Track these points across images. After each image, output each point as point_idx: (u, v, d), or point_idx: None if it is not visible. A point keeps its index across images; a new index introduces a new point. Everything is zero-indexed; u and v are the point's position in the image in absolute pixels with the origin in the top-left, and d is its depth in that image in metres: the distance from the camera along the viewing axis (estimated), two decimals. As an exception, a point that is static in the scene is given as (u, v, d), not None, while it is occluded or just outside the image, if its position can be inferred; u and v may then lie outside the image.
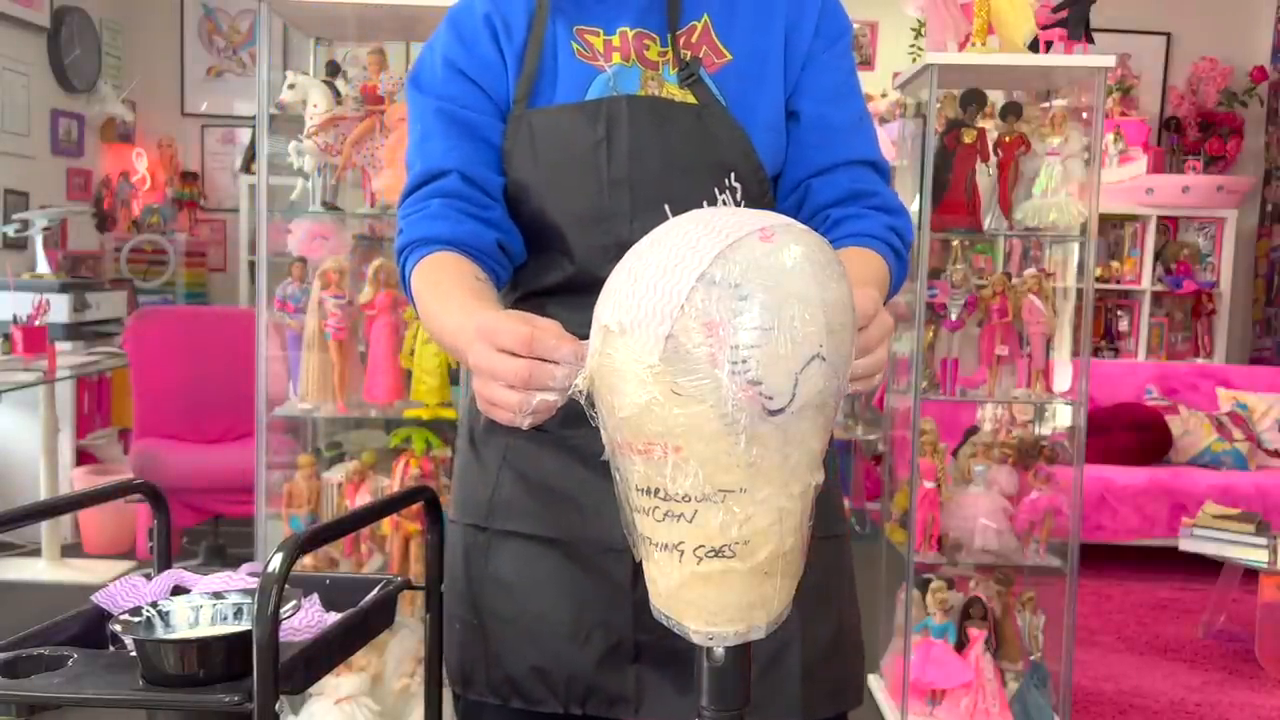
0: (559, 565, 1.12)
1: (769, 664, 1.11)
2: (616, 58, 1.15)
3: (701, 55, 1.14)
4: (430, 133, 1.15)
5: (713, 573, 0.82)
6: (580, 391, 0.83)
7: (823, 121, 1.17)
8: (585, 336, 0.84)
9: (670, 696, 1.10)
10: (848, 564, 1.24)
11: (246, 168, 5.09)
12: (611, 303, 0.81)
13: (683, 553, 0.82)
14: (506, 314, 0.88)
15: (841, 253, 1.03)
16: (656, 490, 0.81)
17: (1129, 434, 4.59)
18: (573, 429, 1.05)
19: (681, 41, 1.14)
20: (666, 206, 1.05)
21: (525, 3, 1.17)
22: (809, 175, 1.17)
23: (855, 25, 6.65)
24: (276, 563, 1.07)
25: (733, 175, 1.12)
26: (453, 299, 1.03)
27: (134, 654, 1.11)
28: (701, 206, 0.96)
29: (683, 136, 1.12)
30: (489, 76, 1.15)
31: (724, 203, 1.13)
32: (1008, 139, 2.77)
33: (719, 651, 0.85)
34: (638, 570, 0.94)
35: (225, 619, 1.19)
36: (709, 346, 0.76)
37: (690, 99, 1.13)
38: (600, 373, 0.81)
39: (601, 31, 1.15)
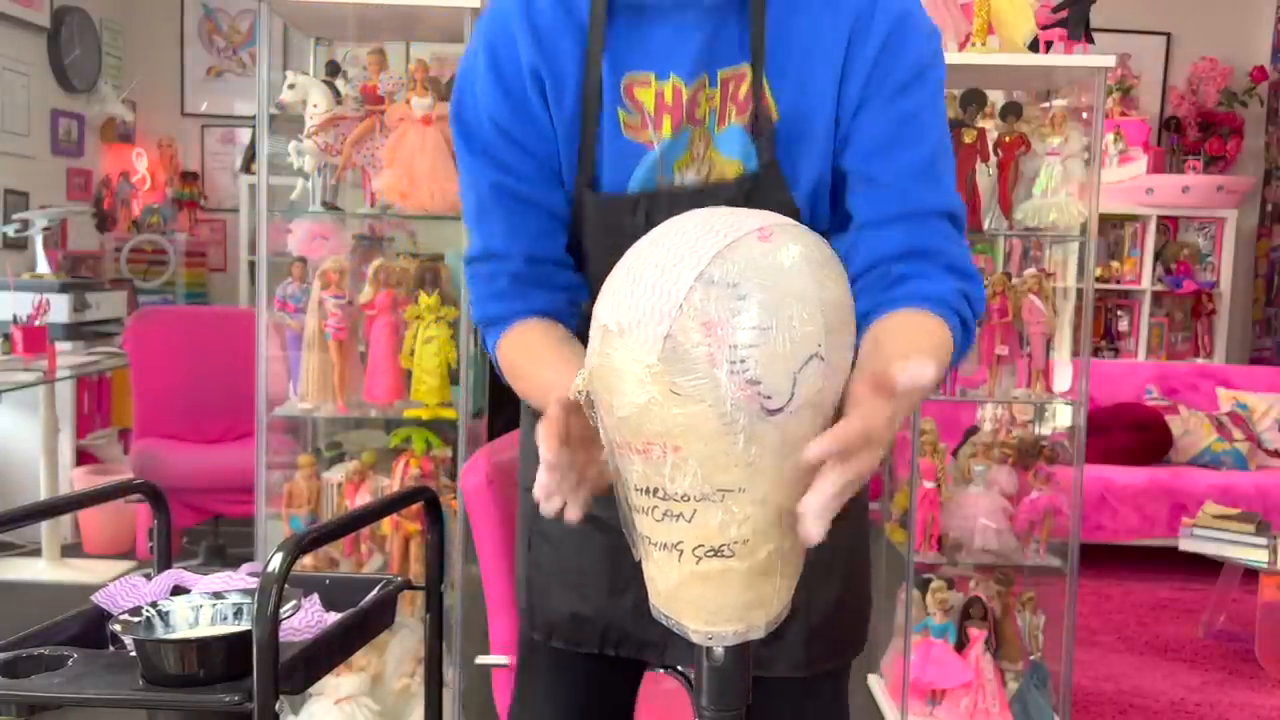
0: (597, 530, 1.16)
1: (770, 635, 1.13)
2: (667, 125, 1.08)
3: (750, 114, 1.07)
4: (487, 209, 1.13)
5: (711, 572, 0.82)
6: (580, 391, 0.83)
7: (868, 178, 1.07)
8: None
9: (691, 644, 1.15)
10: (859, 531, 1.24)
11: (246, 168, 5.09)
12: (610, 302, 0.81)
13: (681, 552, 0.82)
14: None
15: (900, 316, 0.99)
16: (655, 490, 0.81)
17: (1129, 434, 4.59)
18: None
19: (730, 87, 1.07)
20: None
21: (575, 51, 1.08)
22: (859, 227, 1.09)
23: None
24: (276, 563, 1.07)
25: None
26: (545, 361, 1.08)
27: (134, 654, 1.11)
28: None
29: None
30: (540, 141, 1.11)
31: None
32: (1008, 139, 2.77)
33: (718, 651, 0.85)
34: None
35: (225, 619, 1.19)
36: (708, 346, 0.76)
37: (737, 168, 1.09)
38: (599, 372, 0.81)
39: (654, 78, 1.08)
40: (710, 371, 0.76)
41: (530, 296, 1.13)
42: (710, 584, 0.82)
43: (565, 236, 1.14)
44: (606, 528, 1.16)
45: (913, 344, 0.90)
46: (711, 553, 0.81)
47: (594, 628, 1.22)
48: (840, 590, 1.20)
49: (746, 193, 1.06)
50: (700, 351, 0.76)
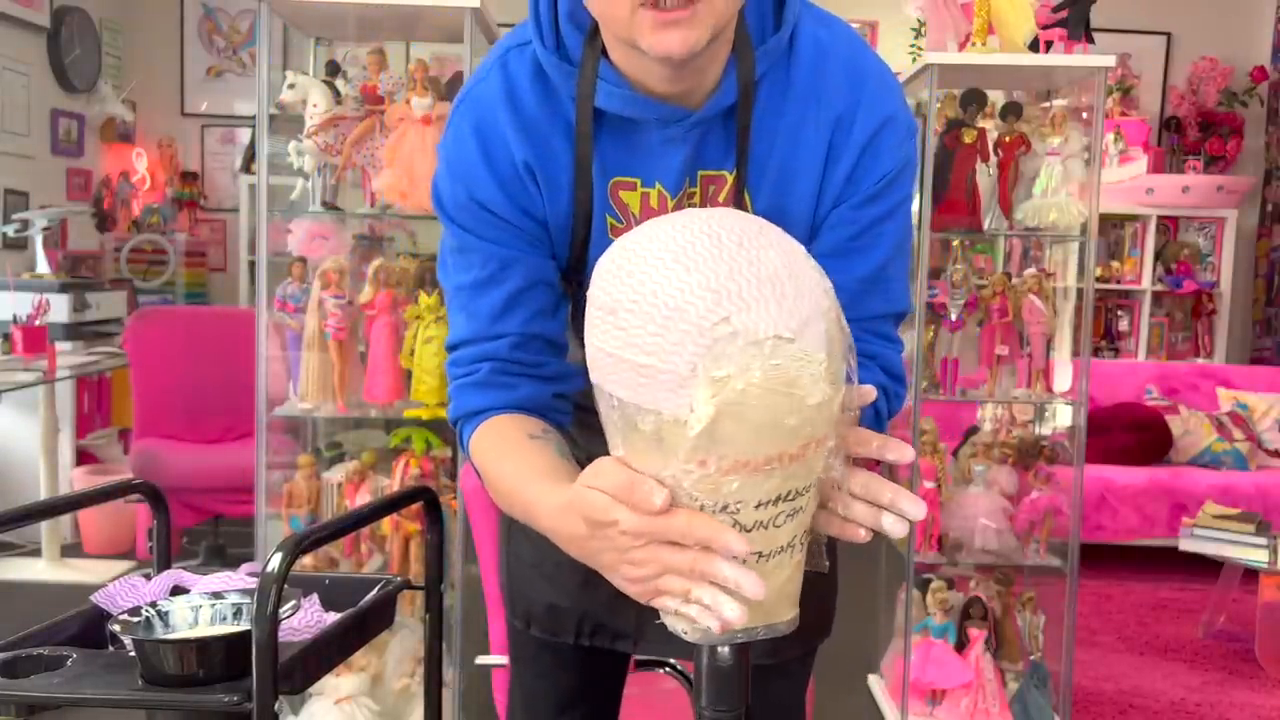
0: None
1: None
2: None
3: None
4: (479, 287, 1.07)
5: (799, 560, 0.85)
6: (696, 423, 0.76)
7: None
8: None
9: (664, 635, 1.17)
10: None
11: (246, 168, 5.09)
12: (758, 313, 0.75)
13: (794, 548, 0.83)
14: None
15: None
16: (787, 494, 0.80)
17: (1129, 434, 4.59)
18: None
19: (709, 189, 1.07)
20: None
21: (566, 155, 1.06)
22: None
23: (855, 25, 6.59)
24: (276, 563, 1.07)
25: None
26: (507, 468, 1.00)
27: (133, 654, 1.11)
28: None
29: None
30: (534, 225, 1.07)
31: None
32: (1008, 139, 2.77)
33: (724, 651, 0.85)
34: None
35: (225, 619, 1.19)
36: (841, 333, 0.79)
37: None
38: (755, 392, 0.75)
39: (639, 184, 1.07)
40: (847, 356, 0.79)
41: (511, 388, 1.07)
42: (796, 571, 0.85)
43: (564, 316, 1.10)
44: None
45: None
46: (805, 537, 0.84)
47: (570, 618, 1.25)
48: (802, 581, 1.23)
49: None
50: (839, 339, 0.78)
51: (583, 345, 0.94)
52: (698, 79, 1.02)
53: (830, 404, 0.78)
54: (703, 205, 1.07)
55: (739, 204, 1.07)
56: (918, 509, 0.85)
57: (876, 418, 1.08)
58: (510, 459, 0.99)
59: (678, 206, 1.08)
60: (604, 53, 1.02)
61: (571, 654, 1.29)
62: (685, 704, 1.70)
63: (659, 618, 1.14)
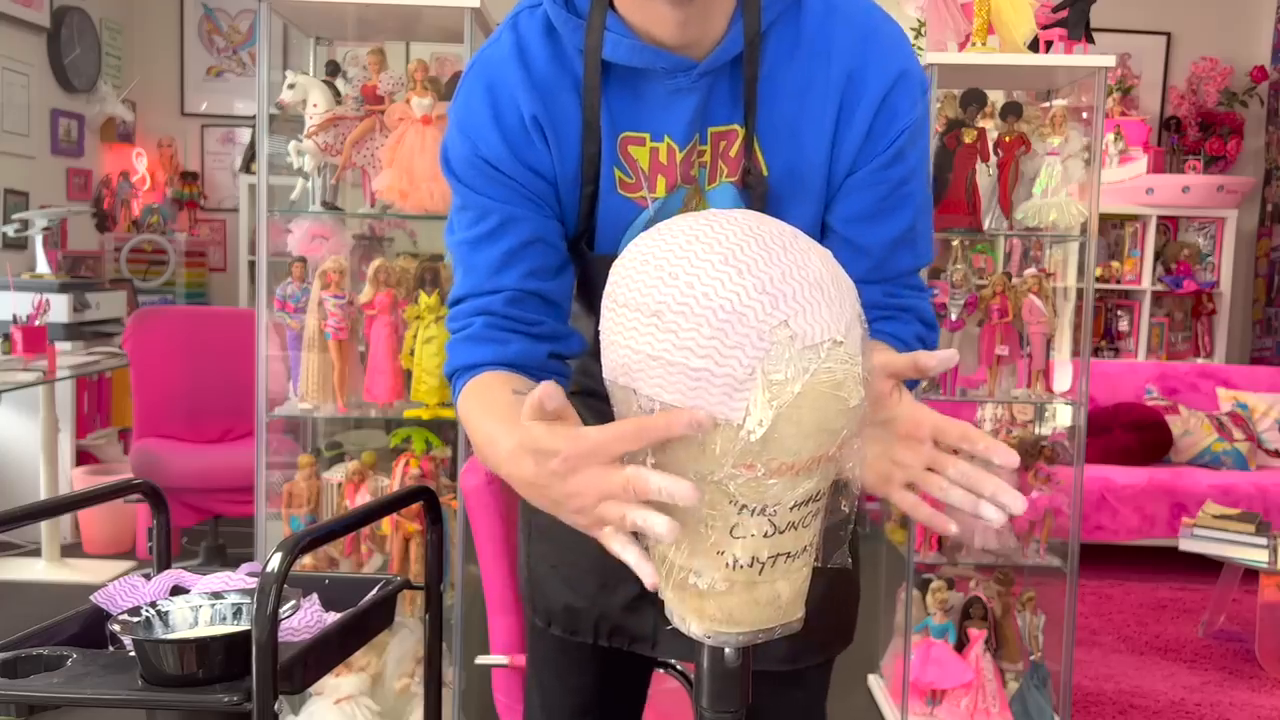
0: None
1: None
2: (661, 184, 1.08)
3: (741, 172, 1.07)
4: (478, 241, 1.07)
5: (810, 562, 0.86)
6: (757, 427, 0.75)
7: (850, 243, 1.10)
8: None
9: (682, 639, 1.17)
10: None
11: (246, 168, 5.09)
12: (812, 316, 0.75)
13: (812, 546, 0.83)
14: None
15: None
16: (818, 495, 0.80)
17: (1129, 434, 4.59)
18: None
19: (720, 146, 1.07)
20: None
21: (574, 109, 1.06)
22: None
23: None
24: (276, 563, 1.07)
25: None
26: (487, 425, 0.96)
27: (133, 654, 1.11)
28: None
29: None
30: (539, 182, 1.07)
31: None
32: (1008, 139, 2.77)
33: (730, 652, 0.85)
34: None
35: (224, 619, 1.19)
36: (866, 335, 0.80)
37: None
38: (809, 395, 0.75)
39: (648, 138, 1.07)
40: (869, 356, 0.80)
41: (503, 343, 1.06)
42: (810, 570, 0.85)
43: (570, 277, 1.10)
44: None
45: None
46: (819, 535, 0.84)
47: (588, 619, 1.25)
48: (825, 587, 1.21)
49: None
50: (866, 339, 0.79)
51: (594, 316, 0.96)
52: (703, 27, 1.02)
53: (863, 405, 0.78)
54: (714, 162, 1.08)
55: (750, 159, 1.06)
56: (1019, 503, 0.85)
57: None
58: (491, 416, 0.96)
59: (685, 161, 1.07)
60: (611, 6, 1.04)
61: (591, 656, 1.28)
62: (685, 703, 1.70)
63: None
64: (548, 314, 1.08)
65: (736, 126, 1.06)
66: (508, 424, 0.89)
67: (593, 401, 1.15)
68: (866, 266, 1.10)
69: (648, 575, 0.79)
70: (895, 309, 1.12)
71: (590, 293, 1.11)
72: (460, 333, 1.08)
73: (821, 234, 1.12)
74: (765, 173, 1.07)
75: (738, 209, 0.87)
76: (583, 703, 1.31)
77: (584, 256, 1.11)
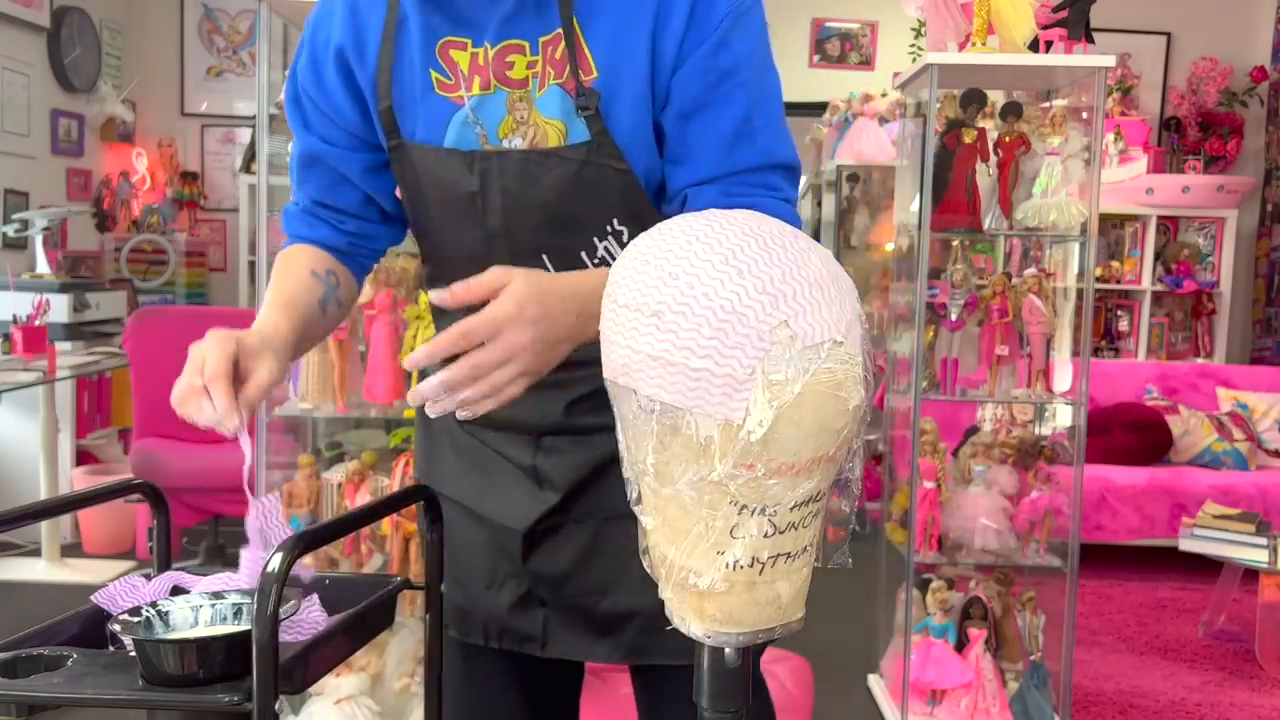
0: (476, 527, 1.27)
1: (649, 620, 1.16)
2: (477, 84, 1.11)
3: (567, 74, 1.08)
4: (298, 165, 1.28)
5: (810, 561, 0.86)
6: (757, 428, 0.76)
7: (685, 144, 1.08)
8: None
9: (572, 638, 1.24)
10: None
11: (246, 168, 5.09)
12: (812, 317, 0.76)
13: (818, 546, 0.84)
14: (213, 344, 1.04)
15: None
16: (818, 495, 0.80)
17: (1129, 434, 4.59)
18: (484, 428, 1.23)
19: (549, 51, 1.08)
20: (545, 257, 1.10)
21: (382, 19, 1.15)
22: (686, 185, 1.10)
23: (856, 25, 6.53)
24: (276, 563, 1.07)
25: (615, 220, 1.10)
26: (271, 292, 1.19)
27: (133, 654, 1.11)
28: (579, 257, 1.07)
29: (557, 190, 1.09)
30: (339, 113, 1.20)
31: (607, 250, 1.10)
32: (1008, 139, 2.77)
33: (731, 653, 0.85)
34: (530, 545, 1.21)
35: (225, 619, 1.19)
36: (862, 338, 0.80)
37: (558, 128, 1.09)
38: (809, 396, 0.76)
39: (469, 44, 1.11)
40: (867, 357, 0.80)
41: (313, 226, 1.27)
42: (810, 570, 0.85)
43: (356, 192, 1.25)
44: (481, 521, 1.24)
45: None
46: (820, 535, 0.85)
47: (476, 620, 1.28)
48: None
49: (581, 161, 1.07)
50: (865, 339, 0.80)
51: (415, 210, 1.15)
52: None
53: (863, 405, 0.79)
54: (543, 69, 1.09)
55: (577, 59, 1.07)
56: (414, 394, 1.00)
57: None
58: (278, 285, 1.19)
59: (498, 60, 1.10)
60: None
61: (495, 662, 1.29)
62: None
63: (565, 621, 1.19)
64: (347, 217, 1.26)
65: (558, 30, 1.08)
66: (271, 310, 1.14)
67: (442, 321, 1.22)
68: (703, 168, 1.08)
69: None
70: (744, 207, 1.07)
71: (431, 191, 1.17)
72: (290, 205, 1.30)
73: (658, 142, 1.10)
74: (595, 74, 1.07)
75: (737, 210, 0.87)
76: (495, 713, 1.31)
77: (414, 155, 1.15)
